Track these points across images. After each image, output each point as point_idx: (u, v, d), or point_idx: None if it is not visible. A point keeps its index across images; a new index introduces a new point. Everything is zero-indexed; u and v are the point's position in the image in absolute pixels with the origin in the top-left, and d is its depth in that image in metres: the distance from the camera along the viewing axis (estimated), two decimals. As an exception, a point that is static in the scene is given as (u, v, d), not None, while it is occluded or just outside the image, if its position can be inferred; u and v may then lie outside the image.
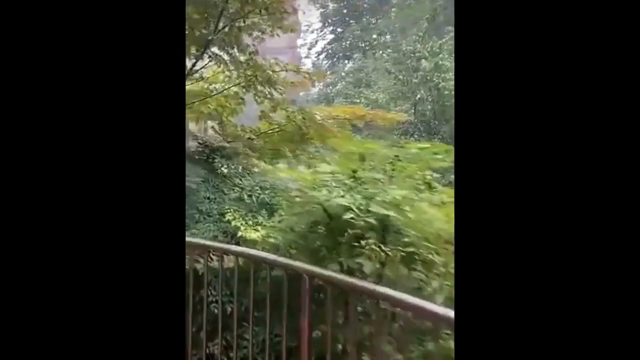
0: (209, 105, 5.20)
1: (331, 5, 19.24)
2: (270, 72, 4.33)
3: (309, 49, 19.22)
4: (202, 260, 2.87)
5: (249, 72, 4.62)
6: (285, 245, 2.22)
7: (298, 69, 4.70)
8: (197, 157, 4.07)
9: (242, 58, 4.10)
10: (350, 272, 2.05)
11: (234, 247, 2.52)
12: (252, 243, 2.73)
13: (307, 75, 4.69)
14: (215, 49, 4.27)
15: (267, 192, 3.19)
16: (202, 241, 2.68)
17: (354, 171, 2.06)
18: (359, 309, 1.96)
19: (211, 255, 2.75)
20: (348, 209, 1.78)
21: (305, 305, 2.07)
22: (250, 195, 3.09)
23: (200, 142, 4.08)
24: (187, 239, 2.77)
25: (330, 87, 15.25)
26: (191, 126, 6.65)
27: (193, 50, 4.48)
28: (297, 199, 2.22)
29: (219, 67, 4.32)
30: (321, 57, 18.86)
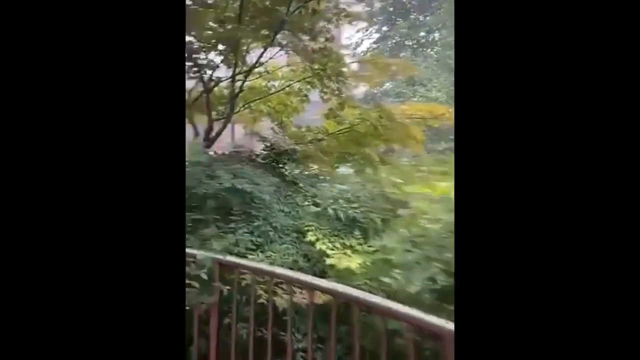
0: (269, 103, 4.71)
1: (377, 4, 18.58)
2: (345, 63, 3.74)
3: (354, 48, 18.61)
4: (281, 292, 2.30)
5: (315, 66, 4.07)
6: (405, 286, 1.58)
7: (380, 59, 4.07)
8: (261, 161, 3.54)
9: (315, 46, 3.53)
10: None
11: (326, 283, 1.92)
12: (347, 274, 2.12)
13: (396, 67, 4.05)
14: (281, 39, 3.75)
15: (354, 205, 2.58)
16: (283, 271, 2.10)
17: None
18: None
19: (294, 287, 2.20)
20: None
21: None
22: (334, 210, 2.48)
23: (267, 144, 3.54)
24: (264, 266, 2.24)
25: (378, 87, 14.56)
26: (239, 128, 6.21)
27: (254, 42, 4.00)
28: (430, 225, 1.58)
29: (288, 54, 3.78)
30: (367, 56, 18.19)
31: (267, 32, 3.67)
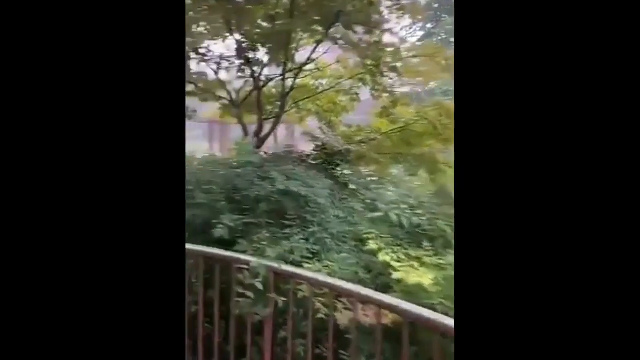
0: (318, 102, 4.55)
1: (421, 0, 18.00)
2: (402, 57, 3.49)
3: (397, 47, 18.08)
4: (341, 307, 2.11)
5: (368, 62, 3.85)
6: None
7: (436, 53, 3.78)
8: (312, 162, 3.37)
9: (371, 39, 3.31)
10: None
11: (393, 300, 1.70)
12: (417, 291, 1.88)
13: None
14: (333, 33, 3.56)
15: (418, 212, 2.33)
16: (343, 284, 1.90)
17: None
18: None
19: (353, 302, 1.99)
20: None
21: None
22: (398, 216, 2.25)
23: (319, 144, 3.36)
24: (323, 277, 2.06)
25: (422, 85, 14.03)
26: (282, 128, 6.08)
27: (306, 37, 3.85)
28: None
29: (343, 48, 3.59)
30: (424, 49, 17.61)
31: (319, 28, 3.50)
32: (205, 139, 9.91)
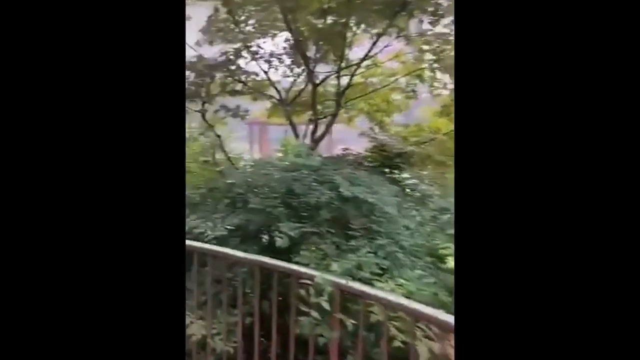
0: (370, 101, 4.30)
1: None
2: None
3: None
4: (420, 334, 1.84)
5: (428, 57, 3.55)
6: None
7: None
8: (368, 164, 3.11)
9: (436, 29, 3.01)
10: None
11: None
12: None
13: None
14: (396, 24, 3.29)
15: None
16: (423, 308, 1.64)
17: None
18: None
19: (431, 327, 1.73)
20: None
21: None
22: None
23: (376, 145, 3.11)
24: (399, 299, 1.81)
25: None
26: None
27: (364, 28, 3.60)
28: None
29: (407, 41, 3.31)
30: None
31: (380, 19, 3.24)
32: (247, 140, 9.91)
